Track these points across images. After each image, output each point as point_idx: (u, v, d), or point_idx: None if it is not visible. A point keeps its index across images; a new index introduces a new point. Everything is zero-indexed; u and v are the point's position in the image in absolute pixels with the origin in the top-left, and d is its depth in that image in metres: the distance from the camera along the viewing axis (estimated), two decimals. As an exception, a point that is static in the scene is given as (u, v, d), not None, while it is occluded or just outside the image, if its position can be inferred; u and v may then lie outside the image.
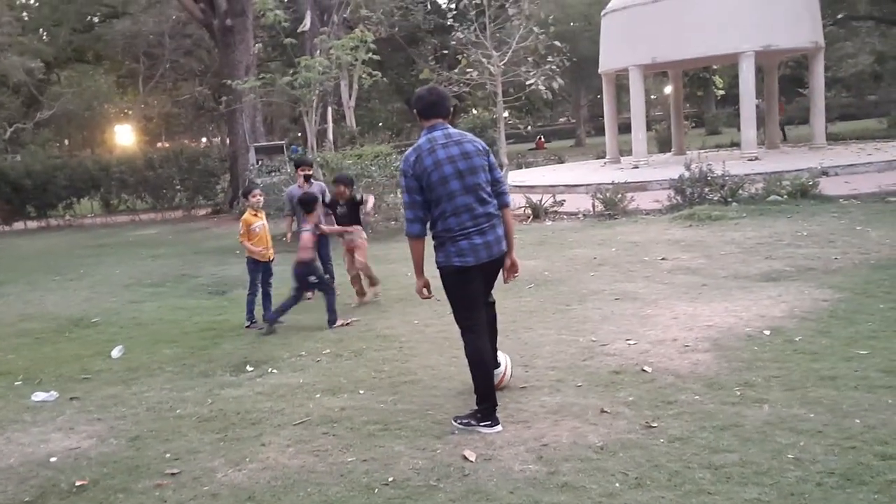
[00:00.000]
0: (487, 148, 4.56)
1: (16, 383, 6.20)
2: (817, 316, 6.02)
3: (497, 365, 4.81)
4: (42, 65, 30.80)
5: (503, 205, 4.53)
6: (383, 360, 5.94)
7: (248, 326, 7.47)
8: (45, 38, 35.31)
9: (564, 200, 14.11)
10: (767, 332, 5.70)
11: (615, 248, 10.15)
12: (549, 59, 13.18)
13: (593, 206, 13.44)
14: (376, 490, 3.68)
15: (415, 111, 4.60)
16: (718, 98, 50.30)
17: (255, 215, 7.57)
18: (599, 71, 22.17)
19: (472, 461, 3.90)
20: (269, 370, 5.99)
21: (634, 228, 11.64)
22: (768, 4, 18.71)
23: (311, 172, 8.87)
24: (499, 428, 4.30)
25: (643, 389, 4.75)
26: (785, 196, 12.34)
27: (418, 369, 5.61)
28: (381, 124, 48.04)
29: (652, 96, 51.41)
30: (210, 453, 4.34)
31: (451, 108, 4.73)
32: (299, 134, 30.69)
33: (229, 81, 17.21)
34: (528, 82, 13.15)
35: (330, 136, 21.56)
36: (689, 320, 6.26)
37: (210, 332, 7.44)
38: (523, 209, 13.87)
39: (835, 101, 37.41)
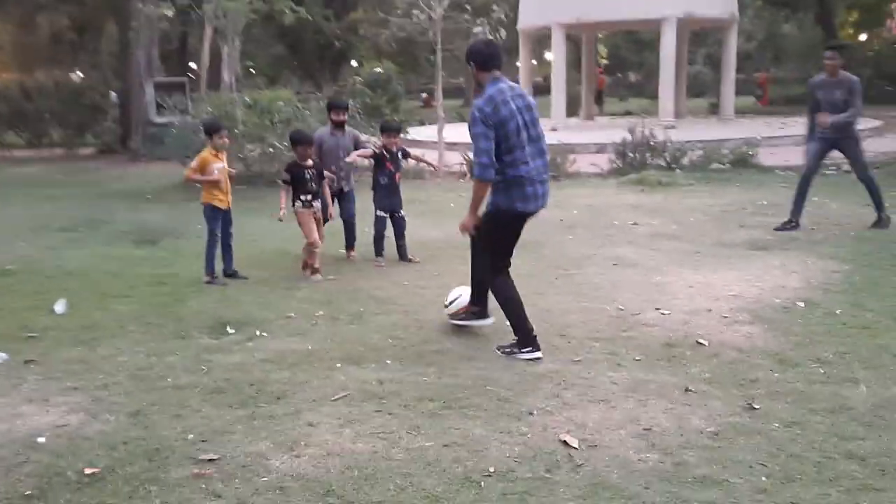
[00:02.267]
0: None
1: (-56, 341, 5.17)
2: (840, 288, 5.83)
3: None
4: None
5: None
6: (392, 326, 5.30)
7: (207, 282, 6.60)
8: None
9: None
10: (801, 304, 5.44)
11: (576, 210, 9.78)
12: (495, 7, 12.56)
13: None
14: (482, 484, 3.10)
15: (472, 63, 4.61)
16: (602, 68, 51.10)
17: (216, 156, 6.65)
18: (518, 27, 21.70)
19: (575, 447, 3.38)
20: (258, 333, 5.23)
21: (584, 191, 11.31)
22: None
23: (345, 118, 7.45)
24: (539, 354, 4.53)
25: (712, 365, 4.36)
26: (727, 165, 12.35)
27: (440, 337, 5.01)
28: (252, 70, 45.21)
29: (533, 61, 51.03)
30: (246, 434, 3.62)
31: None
32: (189, 72, 28.66)
33: (141, 5, 15.48)
34: (474, 30, 12.50)
35: (226, 76, 20.18)
36: (707, 289, 5.93)
37: (164, 287, 6.52)
38: (460, 166, 13.32)
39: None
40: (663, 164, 12.52)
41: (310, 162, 6.68)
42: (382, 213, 7.20)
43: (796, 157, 13.60)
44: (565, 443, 3.42)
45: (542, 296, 5.90)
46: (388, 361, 4.59)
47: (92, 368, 4.61)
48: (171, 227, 9.56)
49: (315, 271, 6.69)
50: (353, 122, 12.74)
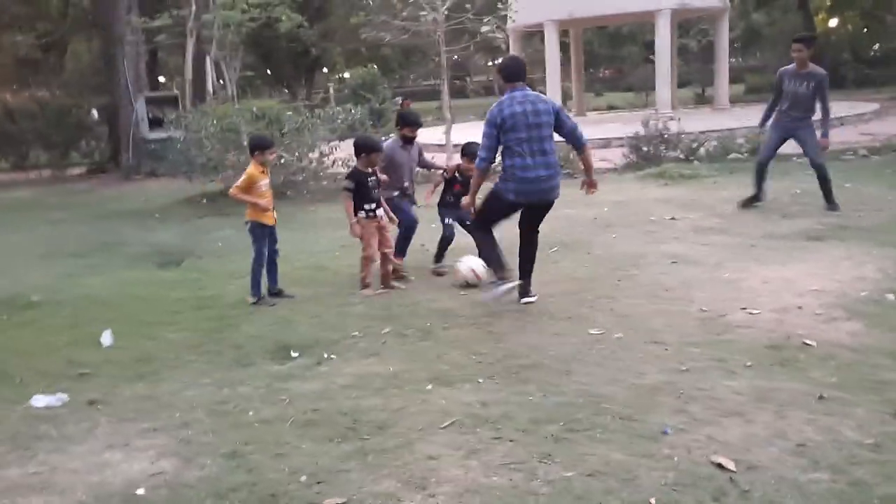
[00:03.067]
0: (556, 109, 5.48)
1: (-9, 384, 4.80)
2: (922, 277, 5.61)
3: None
4: None
5: (580, 147, 5.60)
6: (467, 340, 5.01)
7: (254, 303, 6.27)
8: None
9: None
10: (891, 296, 5.22)
11: (606, 207, 9.54)
12: (500, 5, 12.27)
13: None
14: (648, 517, 2.82)
15: (500, 74, 5.60)
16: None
17: (263, 172, 6.31)
18: (508, 26, 21.42)
19: (733, 470, 3.10)
20: (327, 356, 4.91)
21: (606, 188, 10.89)
22: (684, -37, 18.63)
23: (416, 135, 7.01)
24: (511, 284, 5.53)
25: (832, 368, 4.11)
26: (745, 154, 12.16)
27: (526, 351, 4.72)
28: (221, 81, 44.53)
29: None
30: (363, 471, 3.31)
31: (526, 74, 5.63)
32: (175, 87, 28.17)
33: (143, 19, 14.98)
34: (482, 28, 12.22)
35: (210, 86, 19.81)
36: (784, 285, 5.69)
37: (209, 312, 6.18)
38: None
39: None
40: (679, 156, 12.30)
41: (370, 169, 6.38)
42: (451, 221, 6.92)
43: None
44: (720, 465, 3.14)
45: (614, 300, 5.63)
46: (480, 381, 4.30)
47: (163, 405, 4.28)
48: (189, 246, 9.20)
49: (367, 285, 6.38)
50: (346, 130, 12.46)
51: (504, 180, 5.45)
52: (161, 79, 32.34)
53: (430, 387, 4.26)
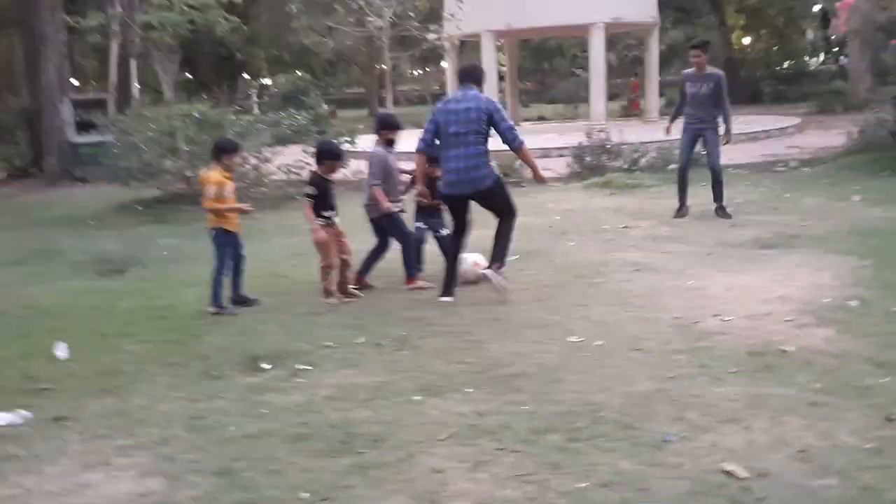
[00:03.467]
0: (489, 109, 5.85)
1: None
2: (879, 284, 5.78)
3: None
4: None
5: (515, 148, 5.99)
6: (448, 349, 4.93)
7: (215, 312, 6.05)
8: None
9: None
10: (855, 303, 5.36)
11: (557, 216, 9.61)
12: (447, 15, 12.23)
13: (493, 173, 12.80)
14: (670, 527, 2.80)
15: (458, 76, 6.40)
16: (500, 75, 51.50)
17: (228, 177, 6.11)
18: (443, 36, 21.48)
19: (746, 476, 3.11)
20: (301, 367, 4.76)
21: (553, 196, 11.12)
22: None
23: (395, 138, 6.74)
24: (451, 299, 6.00)
25: (814, 373, 4.18)
26: (685, 165, 12.40)
27: (509, 359, 4.68)
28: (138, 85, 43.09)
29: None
30: (369, 487, 3.20)
31: (481, 77, 6.19)
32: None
33: (72, 19, 14.38)
34: (429, 36, 12.17)
35: (135, 92, 19.24)
36: (748, 291, 5.80)
37: (166, 322, 5.93)
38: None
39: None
40: (623, 166, 12.50)
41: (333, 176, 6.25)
42: (423, 226, 6.73)
43: (735, 155, 13.97)
44: (730, 473, 3.15)
45: (586, 308, 5.65)
46: (469, 390, 4.23)
47: (136, 421, 4.07)
48: (131, 254, 8.80)
49: (330, 293, 6.23)
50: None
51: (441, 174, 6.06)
52: (74, 81, 31.14)
53: (418, 397, 4.16)
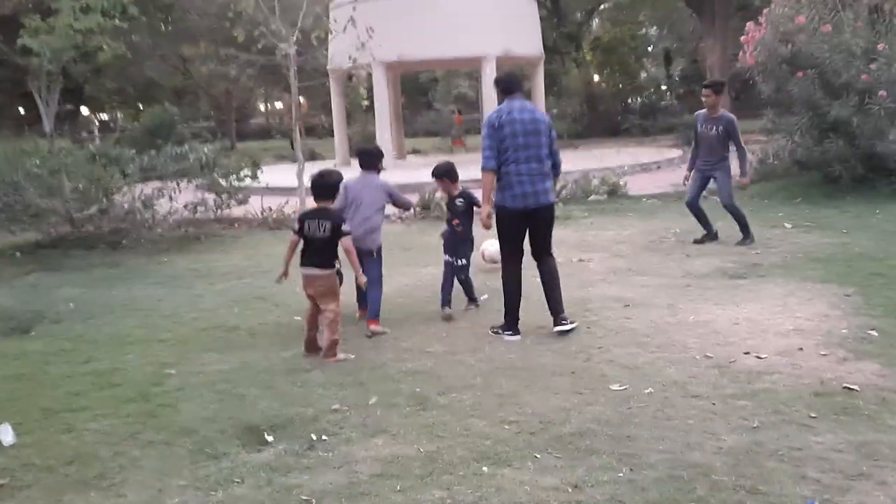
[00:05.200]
0: (549, 123, 5.70)
1: None
2: (883, 312, 5.69)
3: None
4: None
5: (558, 173, 5.85)
6: (483, 408, 4.34)
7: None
8: None
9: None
10: (874, 333, 5.21)
11: (500, 250, 9.17)
12: (362, 40, 11.61)
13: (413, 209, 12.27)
14: None
15: (497, 87, 5.92)
16: (364, 108, 51.05)
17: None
18: (329, 67, 20.84)
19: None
20: (315, 437, 4.06)
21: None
22: (507, 10, 19.14)
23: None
24: (518, 338, 5.60)
25: (897, 413, 3.92)
26: (605, 196, 12.38)
27: (560, 416, 4.16)
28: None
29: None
30: None
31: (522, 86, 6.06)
32: None
33: None
34: (347, 66, 11.52)
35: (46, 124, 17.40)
36: (758, 325, 5.57)
37: (122, 391, 4.98)
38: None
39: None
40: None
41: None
42: (450, 258, 6.45)
43: (644, 184, 14.13)
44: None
45: (604, 350, 5.24)
46: (538, 456, 3.68)
47: (143, 523, 3.25)
48: (32, 309, 7.63)
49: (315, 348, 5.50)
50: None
51: (501, 189, 5.55)
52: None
53: (485, 469, 3.57)
